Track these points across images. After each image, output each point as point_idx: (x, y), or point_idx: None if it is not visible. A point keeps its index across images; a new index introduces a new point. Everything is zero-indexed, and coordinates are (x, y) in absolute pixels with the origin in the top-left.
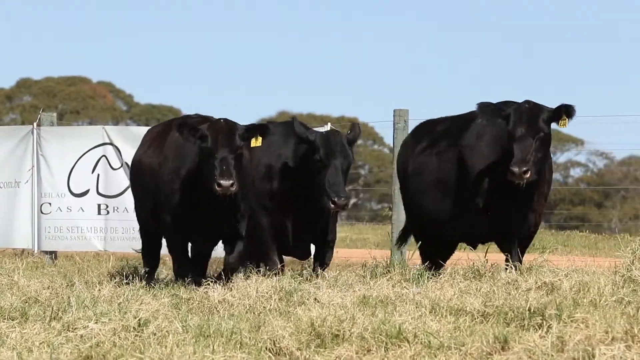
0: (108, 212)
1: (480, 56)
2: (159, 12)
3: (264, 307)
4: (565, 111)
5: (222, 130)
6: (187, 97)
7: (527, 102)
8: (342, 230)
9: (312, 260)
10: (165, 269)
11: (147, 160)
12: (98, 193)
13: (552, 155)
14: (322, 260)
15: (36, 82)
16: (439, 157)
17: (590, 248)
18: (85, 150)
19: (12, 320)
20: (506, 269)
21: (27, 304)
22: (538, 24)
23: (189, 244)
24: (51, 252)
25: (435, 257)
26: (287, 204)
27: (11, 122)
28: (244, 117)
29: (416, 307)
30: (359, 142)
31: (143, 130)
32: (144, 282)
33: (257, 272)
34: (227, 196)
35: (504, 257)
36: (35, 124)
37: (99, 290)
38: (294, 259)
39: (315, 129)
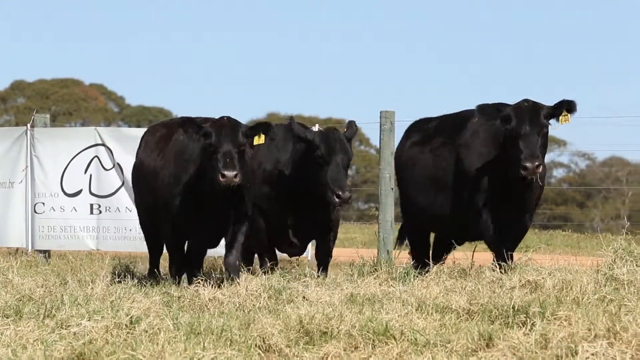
0: (100, 212)
1: (467, 58)
2: (150, 16)
3: (253, 305)
4: (567, 107)
5: (225, 126)
6: (178, 98)
7: (525, 100)
8: None
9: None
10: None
11: (149, 162)
12: (90, 193)
13: None
14: (325, 259)
15: (30, 85)
16: (433, 154)
17: (572, 247)
18: (78, 151)
19: (7, 317)
20: (494, 269)
21: (21, 302)
22: (522, 26)
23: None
24: (45, 251)
25: (426, 255)
26: (288, 205)
27: (5, 123)
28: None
29: (403, 305)
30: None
31: (134, 131)
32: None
33: (247, 270)
34: (230, 188)
35: (491, 257)
36: (29, 125)
37: (92, 288)
38: (285, 257)
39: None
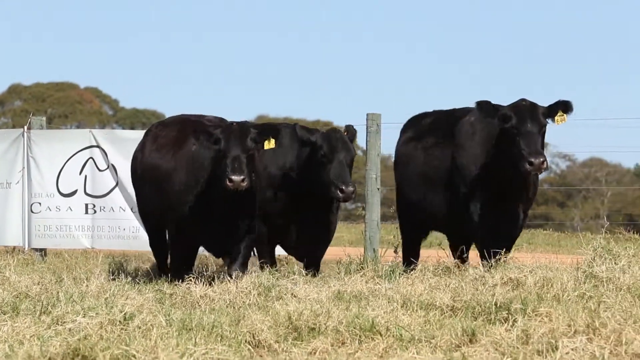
0: (95, 212)
1: (454, 60)
2: (143, 22)
3: (243, 301)
4: (564, 107)
5: (234, 131)
6: (170, 101)
7: (523, 100)
8: None
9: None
10: (150, 266)
11: (160, 164)
12: (85, 193)
13: None
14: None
15: (26, 88)
16: (426, 151)
17: (553, 245)
18: (73, 152)
19: (4, 314)
20: (476, 267)
21: (18, 299)
22: (511, 27)
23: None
24: (41, 250)
25: (416, 252)
26: (291, 207)
27: (3, 125)
28: None
29: (388, 302)
30: None
31: (128, 133)
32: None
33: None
34: (238, 192)
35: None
36: (25, 128)
37: (87, 285)
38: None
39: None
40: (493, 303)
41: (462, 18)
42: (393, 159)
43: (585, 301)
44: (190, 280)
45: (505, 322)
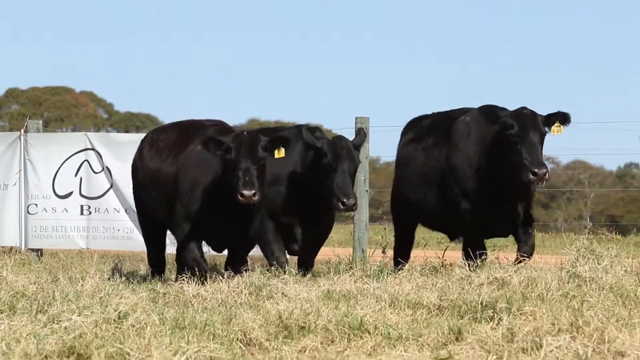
0: (90, 213)
1: (443, 64)
2: (137, 29)
3: (235, 300)
4: (562, 119)
5: (245, 142)
6: (163, 105)
7: (524, 108)
8: None
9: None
10: (144, 266)
11: (160, 168)
12: (81, 195)
13: None
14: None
15: (23, 92)
16: (425, 152)
17: (537, 246)
18: (69, 155)
19: (1, 313)
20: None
21: (15, 298)
22: (500, 30)
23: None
24: (37, 250)
25: (408, 251)
26: (294, 207)
27: (0, 129)
28: None
29: (376, 301)
30: None
31: (122, 136)
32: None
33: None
34: (249, 206)
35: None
36: (22, 131)
37: (82, 285)
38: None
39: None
40: (479, 302)
41: (452, 20)
42: (381, 162)
43: (568, 300)
44: (183, 279)
45: (491, 321)
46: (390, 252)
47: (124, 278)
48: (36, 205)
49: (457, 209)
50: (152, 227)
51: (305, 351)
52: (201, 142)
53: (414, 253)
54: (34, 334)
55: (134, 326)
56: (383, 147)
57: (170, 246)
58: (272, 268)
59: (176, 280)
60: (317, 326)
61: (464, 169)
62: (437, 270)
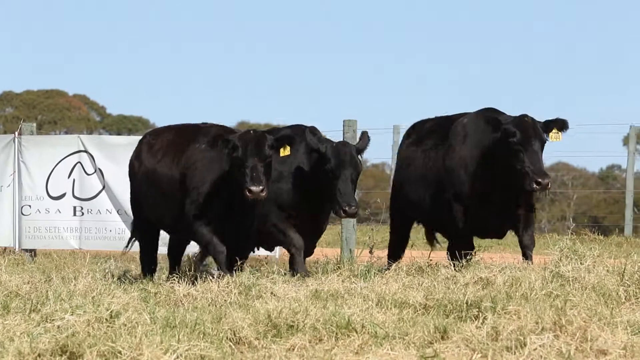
0: (83, 214)
1: (428, 68)
2: (128, 33)
3: (225, 300)
4: (560, 125)
5: (251, 140)
6: (155, 108)
7: (525, 116)
8: None
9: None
10: (135, 266)
11: (162, 169)
12: (74, 196)
13: None
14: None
15: (17, 95)
16: (425, 154)
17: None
18: (62, 157)
19: None
20: (448, 267)
21: (8, 297)
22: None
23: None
24: (31, 250)
25: (401, 253)
26: (296, 207)
27: None
28: None
29: (364, 300)
30: None
31: (114, 139)
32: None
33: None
34: (257, 201)
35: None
36: (16, 133)
37: (75, 284)
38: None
39: None
40: (464, 301)
41: (439, 24)
42: (369, 164)
43: (552, 299)
44: (174, 279)
45: (476, 320)
46: (377, 252)
47: (115, 278)
48: (30, 206)
49: (450, 210)
50: (147, 227)
51: (293, 350)
52: (208, 140)
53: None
54: (28, 332)
55: (125, 325)
56: (371, 149)
57: (162, 247)
58: (295, 255)
59: (167, 280)
60: (305, 325)
61: (459, 172)
62: (423, 270)
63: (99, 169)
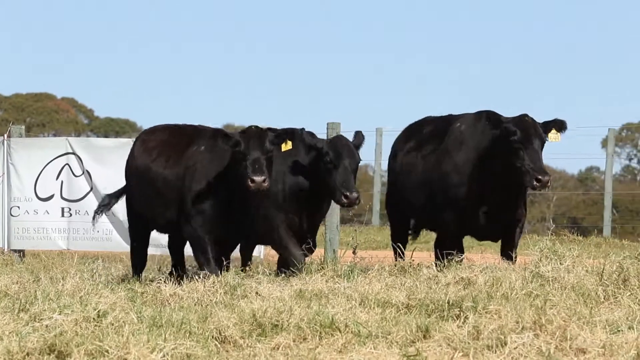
0: (71, 215)
1: (410, 71)
2: (116, 36)
3: (210, 300)
4: (559, 126)
5: (253, 134)
6: (141, 111)
7: (525, 115)
8: None
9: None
10: (122, 266)
11: (160, 170)
12: (62, 197)
13: None
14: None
15: (6, 98)
16: (421, 156)
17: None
18: (51, 159)
19: None
20: (430, 267)
21: None
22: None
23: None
24: (19, 251)
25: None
26: (297, 206)
27: None
28: None
29: (347, 300)
30: None
31: (102, 141)
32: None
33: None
34: (259, 192)
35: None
36: (5, 136)
37: (63, 284)
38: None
39: None
40: (446, 301)
41: (421, 27)
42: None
43: (532, 299)
44: (160, 279)
45: (457, 319)
46: (360, 253)
47: (103, 278)
48: (19, 207)
49: (443, 214)
50: (140, 225)
51: (278, 348)
52: (210, 137)
53: (382, 254)
54: (16, 332)
55: (112, 324)
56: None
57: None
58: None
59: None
60: (289, 324)
61: (453, 176)
62: (405, 270)
63: (87, 171)
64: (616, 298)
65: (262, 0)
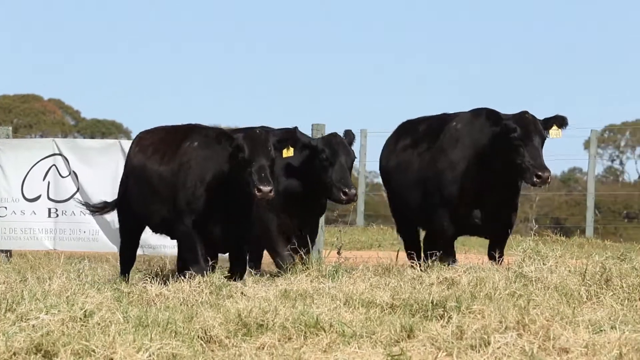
0: (57, 215)
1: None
2: (103, 38)
3: (196, 300)
4: (560, 122)
5: (258, 139)
6: (128, 112)
7: (525, 112)
8: None
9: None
10: (108, 266)
11: (155, 167)
12: (48, 198)
13: None
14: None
15: None
16: (419, 157)
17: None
18: (37, 160)
19: None
20: (414, 267)
21: None
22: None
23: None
24: (6, 251)
25: (418, 252)
26: (293, 205)
27: None
28: None
29: (332, 300)
30: None
31: (88, 142)
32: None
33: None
34: (264, 201)
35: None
36: None
37: (49, 284)
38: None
39: None
40: (430, 301)
41: (405, 27)
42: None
43: (515, 299)
44: (146, 280)
45: (441, 319)
46: (344, 253)
47: (89, 277)
48: (6, 208)
49: (436, 212)
50: (134, 226)
51: (263, 348)
52: (205, 134)
53: (367, 254)
54: (3, 331)
55: (99, 324)
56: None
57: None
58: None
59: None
60: (274, 324)
61: (447, 174)
62: (389, 270)
63: (74, 172)
64: (599, 298)
65: (245, 2)
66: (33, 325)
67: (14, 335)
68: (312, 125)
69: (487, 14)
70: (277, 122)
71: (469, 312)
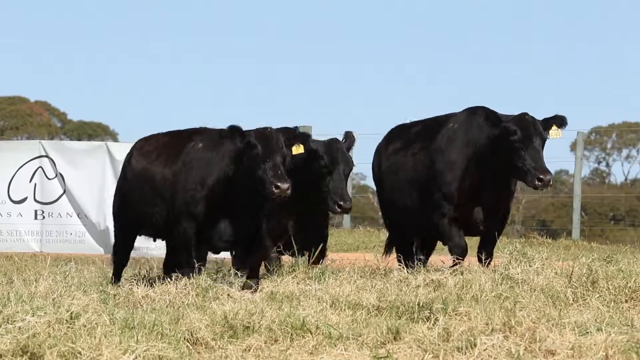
0: (44, 217)
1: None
2: (89, 39)
3: (182, 302)
4: (560, 122)
5: (271, 137)
6: (114, 114)
7: (525, 114)
8: None
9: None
10: (95, 268)
11: (156, 169)
12: (35, 200)
13: None
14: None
15: None
16: (413, 158)
17: (472, 249)
18: (24, 162)
19: None
20: (400, 269)
21: None
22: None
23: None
24: None
25: (411, 254)
26: (290, 206)
27: None
28: None
29: (318, 302)
30: None
31: (75, 144)
32: (112, 281)
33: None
34: (281, 199)
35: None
36: None
37: (36, 287)
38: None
39: None
40: (416, 303)
41: (392, 30)
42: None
43: (502, 301)
44: (132, 282)
45: (428, 321)
46: (331, 255)
47: (75, 280)
48: None
49: (432, 213)
50: (132, 225)
51: (249, 350)
52: (210, 135)
53: (353, 256)
54: None
55: (85, 326)
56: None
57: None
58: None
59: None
60: (261, 326)
61: (445, 175)
62: (376, 272)
63: (60, 174)
64: (585, 300)
65: (231, 5)
66: (19, 327)
67: (0, 337)
68: (299, 127)
69: (478, 17)
70: (264, 124)
71: (456, 314)
